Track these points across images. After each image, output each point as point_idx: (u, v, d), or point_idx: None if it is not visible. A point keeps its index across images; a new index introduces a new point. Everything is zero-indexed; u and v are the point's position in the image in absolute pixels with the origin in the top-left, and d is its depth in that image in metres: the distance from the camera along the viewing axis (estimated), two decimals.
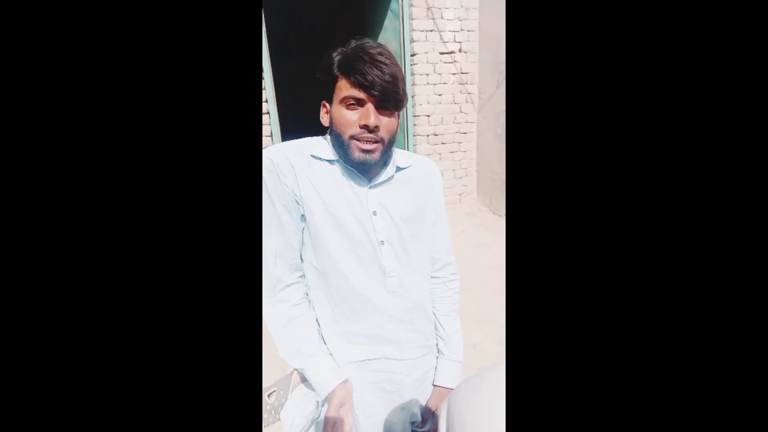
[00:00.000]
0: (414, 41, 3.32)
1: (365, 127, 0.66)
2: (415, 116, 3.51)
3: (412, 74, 3.41)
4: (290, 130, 3.39)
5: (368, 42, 0.68)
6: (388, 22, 3.40)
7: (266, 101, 2.97)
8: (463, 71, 3.57)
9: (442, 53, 3.45)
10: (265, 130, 3.04)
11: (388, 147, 0.71)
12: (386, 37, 3.49)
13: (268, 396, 1.23)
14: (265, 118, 3.01)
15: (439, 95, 3.54)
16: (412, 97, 3.46)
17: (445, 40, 3.42)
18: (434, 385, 0.84)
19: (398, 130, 0.74)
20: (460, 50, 3.51)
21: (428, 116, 3.54)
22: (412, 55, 3.36)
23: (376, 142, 0.68)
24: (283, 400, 1.17)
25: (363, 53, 0.65)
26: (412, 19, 3.27)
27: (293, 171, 0.71)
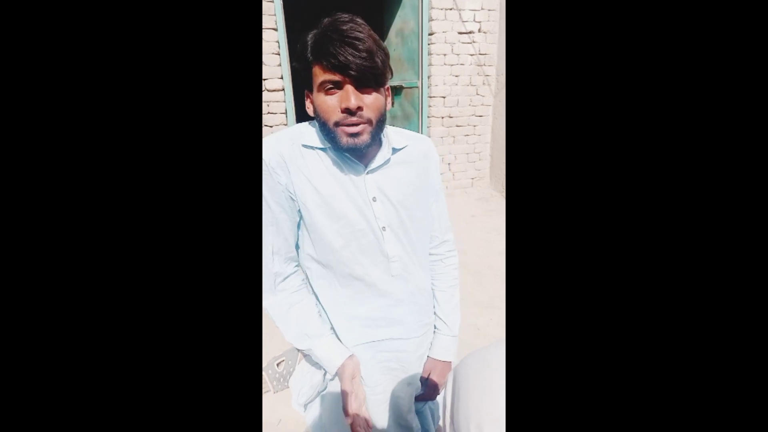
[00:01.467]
0: (432, 20, 3.24)
1: (347, 110, 0.63)
2: (430, 97, 3.46)
3: (429, 54, 3.34)
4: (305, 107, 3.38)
5: (339, 17, 0.62)
6: None
7: (282, 78, 2.96)
8: (481, 52, 3.48)
9: (460, 33, 3.36)
10: (280, 107, 3.04)
11: (378, 126, 0.67)
12: (404, 15, 3.41)
13: (277, 365, 1.28)
14: (280, 95, 3.01)
15: (456, 76, 3.47)
16: (428, 77, 3.40)
17: (465, 20, 3.33)
18: (429, 357, 0.87)
19: (387, 106, 0.70)
20: (479, 30, 3.42)
21: (444, 98, 3.49)
22: (430, 34, 3.28)
23: (362, 123, 0.64)
24: (292, 370, 1.23)
25: (332, 32, 0.60)
26: None
27: (286, 167, 0.69)
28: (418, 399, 0.86)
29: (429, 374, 0.85)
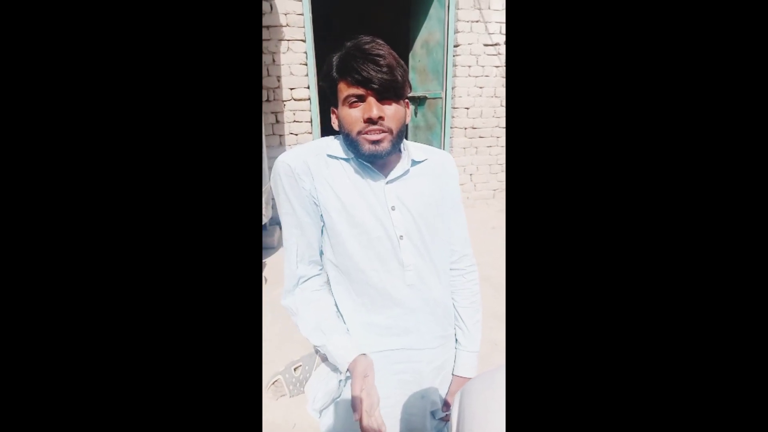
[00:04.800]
0: (458, 32, 3.26)
1: (369, 120, 0.68)
2: (454, 108, 3.46)
3: (454, 65, 3.35)
4: (330, 121, 3.45)
5: (362, 38, 0.69)
6: (433, 11, 3.35)
7: (308, 87, 3.03)
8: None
9: (486, 45, 3.36)
10: (306, 116, 3.10)
11: (398, 136, 0.72)
12: (430, 27, 3.45)
13: (294, 370, 1.30)
14: (306, 104, 3.08)
15: (480, 88, 3.47)
16: (452, 88, 3.41)
17: (491, 32, 3.34)
18: (453, 375, 0.86)
19: (407, 118, 0.75)
20: (505, 42, 3.41)
21: (467, 108, 3.48)
22: (455, 46, 3.30)
23: (383, 132, 0.69)
24: (308, 375, 1.24)
25: (356, 51, 0.66)
26: (458, 9, 3.20)
27: (310, 174, 0.74)
28: (445, 419, 0.84)
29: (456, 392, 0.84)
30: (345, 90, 0.68)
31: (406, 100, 0.74)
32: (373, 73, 0.65)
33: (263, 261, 2.55)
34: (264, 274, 2.35)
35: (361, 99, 0.68)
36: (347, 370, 0.73)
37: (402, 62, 0.70)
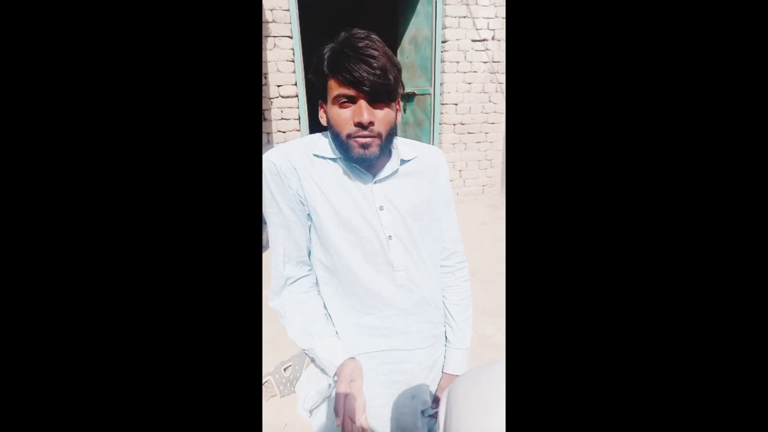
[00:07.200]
0: (446, 27, 3.25)
1: (359, 124, 0.66)
2: (442, 104, 3.46)
3: (442, 61, 3.35)
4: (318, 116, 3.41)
5: (356, 33, 0.66)
6: (421, 6, 3.34)
7: (295, 84, 3.00)
8: (494, 60, 3.48)
9: (474, 40, 3.36)
10: (294, 113, 3.07)
11: (387, 139, 0.70)
12: (418, 22, 3.43)
13: (284, 370, 1.29)
14: (293, 101, 3.04)
15: (469, 84, 3.47)
16: (441, 84, 3.41)
17: (478, 27, 3.33)
18: (444, 372, 0.86)
19: (397, 119, 0.73)
20: (493, 38, 3.41)
21: (456, 105, 3.48)
22: (443, 42, 3.29)
23: (372, 136, 0.67)
24: (298, 375, 1.23)
25: (348, 49, 0.63)
26: (446, 4, 3.19)
27: (296, 173, 0.72)
28: (434, 416, 0.84)
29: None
30: (335, 88, 0.66)
31: (398, 100, 0.72)
32: (365, 75, 0.62)
33: None
34: None
35: (352, 100, 0.66)
36: (335, 374, 0.72)
37: (396, 62, 0.68)
